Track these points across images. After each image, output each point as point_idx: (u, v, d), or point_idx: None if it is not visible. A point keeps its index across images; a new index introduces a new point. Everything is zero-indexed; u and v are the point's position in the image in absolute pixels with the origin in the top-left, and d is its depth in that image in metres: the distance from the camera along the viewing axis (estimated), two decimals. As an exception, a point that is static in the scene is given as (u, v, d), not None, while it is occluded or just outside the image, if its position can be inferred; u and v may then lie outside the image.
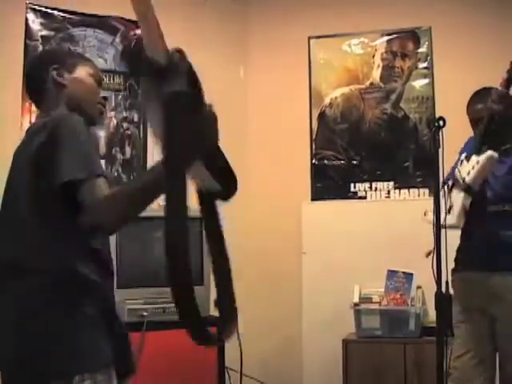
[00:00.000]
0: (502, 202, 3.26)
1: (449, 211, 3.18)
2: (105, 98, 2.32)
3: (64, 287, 1.94)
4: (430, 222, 3.08)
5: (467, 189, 3.19)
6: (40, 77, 2.20)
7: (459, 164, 3.26)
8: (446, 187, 3.21)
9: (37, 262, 1.95)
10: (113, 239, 3.87)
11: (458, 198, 3.20)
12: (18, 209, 2.00)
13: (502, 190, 3.27)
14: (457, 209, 3.18)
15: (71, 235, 1.96)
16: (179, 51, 1.79)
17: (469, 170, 3.18)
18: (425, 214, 3.34)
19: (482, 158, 3.13)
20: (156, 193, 1.91)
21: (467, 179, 3.18)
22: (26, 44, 4.33)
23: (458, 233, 3.49)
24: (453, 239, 3.52)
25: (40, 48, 4.37)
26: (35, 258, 1.95)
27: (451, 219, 3.18)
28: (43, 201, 1.95)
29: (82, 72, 2.22)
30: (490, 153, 3.12)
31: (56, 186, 1.90)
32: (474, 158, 3.17)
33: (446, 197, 3.18)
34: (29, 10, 4.36)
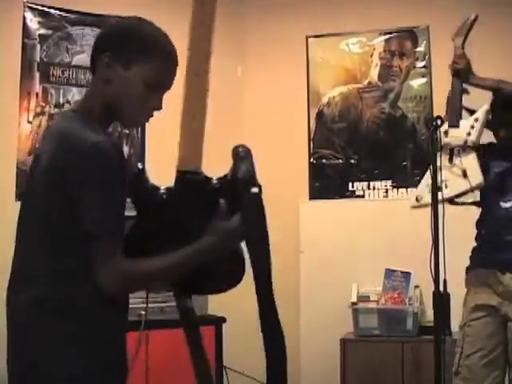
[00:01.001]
0: None
1: (464, 175, 3.14)
2: (157, 109, 2.11)
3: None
4: (427, 204, 3.10)
5: (477, 147, 3.19)
6: (93, 56, 1.97)
7: (439, 134, 3.18)
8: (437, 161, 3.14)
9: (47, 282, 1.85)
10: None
11: (470, 160, 3.17)
12: (33, 222, 1.88)
13: None
14: (474, 169, 3.15)
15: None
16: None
17: (468, 130, 3.18)
18: (417, 200, 3.34)
19: (480, 115, 3.16)
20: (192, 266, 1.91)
21: (472, 138, 3.18)
22: (23, 43, 4.33)
23: (457, 232, 3.48)
24: (451, 239, 3.52)
25: (38, 47, 4.37)
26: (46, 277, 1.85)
27: (475, 180, 3.13)
28: (56, 222, 1.84)
29: (135, 74, 1.94)
30: (486, 107, 3.18)
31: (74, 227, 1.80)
32: (465, 121, 3.21)
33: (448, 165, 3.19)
34: (26, 9, 4.36)
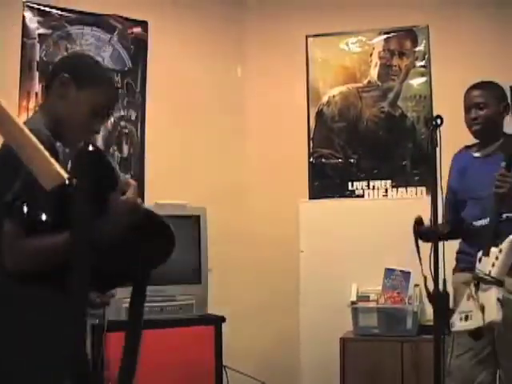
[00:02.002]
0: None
1: (482, 311, 3.01)
2: (96, 132, 2.29)
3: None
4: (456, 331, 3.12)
5: (497, 282, 3.07)
6: (51, 74, 2.22)
7: (477, 262, 3.15)
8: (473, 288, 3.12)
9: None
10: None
11: (490, 295, 3.06)
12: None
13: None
14: (492, 306, 3.02)
15: None
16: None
17: (492, 261, 3.09)
18: (449, 327, 3.22)
19: (505, 245, 3.08)
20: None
21: (493, 272, 3.07)
22: (23, 42, 4.33)
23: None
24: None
25: (37, 47, 4.37)
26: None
27: (490, 317, 3.00)
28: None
29: (85, 96, 2.16)
30: (511, 237, 3.06)
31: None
32: (493, 249, 3.09)
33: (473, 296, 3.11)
34: (26, 8, 4.35)
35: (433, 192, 3.02)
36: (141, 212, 2.00)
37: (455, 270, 3.44)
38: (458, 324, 3.10)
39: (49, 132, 2.05)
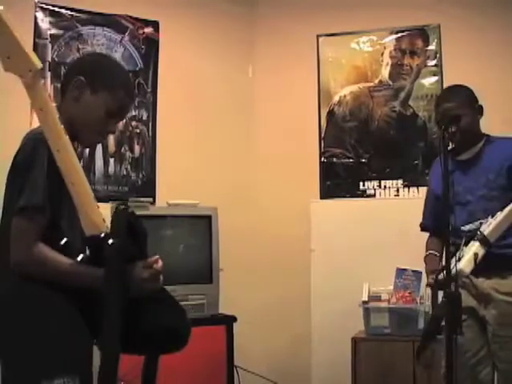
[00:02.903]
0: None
1: (459, 260, 3.10)
2: (112, 133, 2.35)
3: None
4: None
5: (484, 240, 3.17)
6: (66, 76, 2.27)
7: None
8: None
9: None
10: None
11: (471, 249, 3.17)
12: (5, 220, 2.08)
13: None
14: (467, 256, 3.14)
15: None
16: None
17: (491, 221, 3.18)
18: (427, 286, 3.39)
19: (506, 209, 3.13)
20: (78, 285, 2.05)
21: (486, 231, 3.16)
22: (35, 42, 4.34)
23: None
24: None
25: (49, 47, 4.39)
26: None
27: (460, 265, 3.08)
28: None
29: (99, 100, 2.20)
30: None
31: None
32: (498, 212, 3.18)
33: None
34: (38, 9, 4.38)
35: (444, 191, 3.01)
36: (158, 286, 2.16)
37: None
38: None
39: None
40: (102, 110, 2.19)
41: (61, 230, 2.05)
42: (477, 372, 3.30)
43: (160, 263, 2.13)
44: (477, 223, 3.29)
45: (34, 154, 2.01)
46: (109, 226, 1.97)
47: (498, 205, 3.26)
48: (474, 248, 3.15)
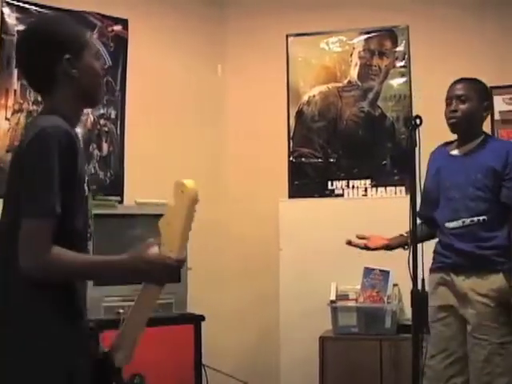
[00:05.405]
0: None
1: None
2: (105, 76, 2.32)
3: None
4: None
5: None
6: (50, 68, 2.04)
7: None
8: None
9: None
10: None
11: None
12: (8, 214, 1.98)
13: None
14: None
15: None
16: None
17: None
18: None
19: None
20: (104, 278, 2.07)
21: None
22: (1, 38, 4.29)
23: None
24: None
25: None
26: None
27: None
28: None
29: (89, 57, 2.09)
30: None
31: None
32: None
33: None
34: (4, 5, 4.32)
35: (412, 191, 3.03)
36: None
37: (430, 270, 3.46)
38: None
39: (68, 126, 1.96)
40: (95, 62, 2.12)
41: (75, 229, 2.00)
42: (451, 373, 3.33)
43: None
44: (460, 221, 3.32)
45: (45, 151, 1.87)
46: None
47: (482, 206, 3.30)
48: None
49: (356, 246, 3.63)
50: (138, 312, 2.04)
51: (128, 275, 2.10)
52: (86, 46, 2.10)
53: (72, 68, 2.04)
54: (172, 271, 2.00)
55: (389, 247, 3.61)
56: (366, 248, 3.63)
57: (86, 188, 2.03)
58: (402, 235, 3.50)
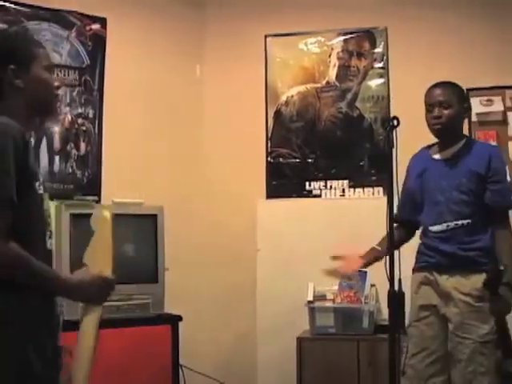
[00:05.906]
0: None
1: None
2: (58, 88, 2.32)
3: None
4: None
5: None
6: None
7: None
8: None
9: None
10: (66, 236, 3.83)
11: None
12: None
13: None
14: None
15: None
16: None
17: None
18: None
19: None
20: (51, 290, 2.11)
21: None
22: (-22, 37, 4.25)
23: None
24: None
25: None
26: None
27: None
28: None
29: (37, 69, 2.18)
30: None
31: None
32: None
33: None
34: (-19, 3, 4.29)
35: (389, 192, 3.05)
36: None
37: (414, 270, 3.48)
38: None
39: (18, 125, 2.05)
40: (44, 73, 2.20)
41: (30, 226, 2.06)
42: (432, 372, 3.35)
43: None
44: (444, 225, 3.35)
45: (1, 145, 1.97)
46: None
47: (466, 210, 3.32)
48: None
49: (334, 275, 3.71)
50: (84, 337, 2.20)
51: (71, 293, 2.17)
52: (34, 58, 2.18)
53: (16, 78, 2.13)
54: (109, 288, 2.20)
55: (366, 266, 3.65)
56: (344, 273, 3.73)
57: (42, 187, 2.10)
58: (374, 248, 3.54)
